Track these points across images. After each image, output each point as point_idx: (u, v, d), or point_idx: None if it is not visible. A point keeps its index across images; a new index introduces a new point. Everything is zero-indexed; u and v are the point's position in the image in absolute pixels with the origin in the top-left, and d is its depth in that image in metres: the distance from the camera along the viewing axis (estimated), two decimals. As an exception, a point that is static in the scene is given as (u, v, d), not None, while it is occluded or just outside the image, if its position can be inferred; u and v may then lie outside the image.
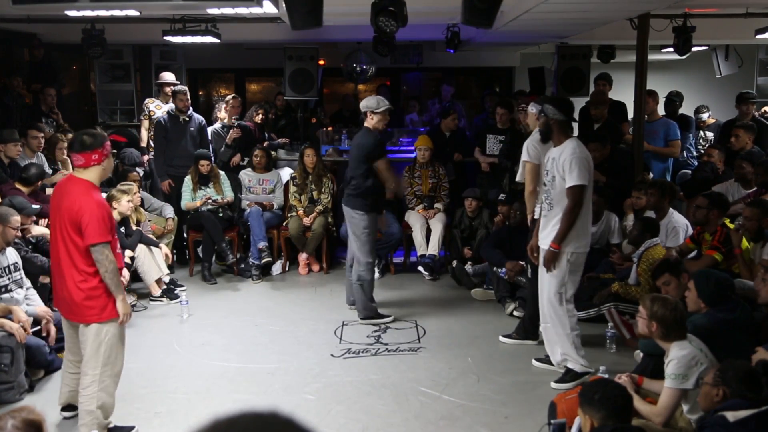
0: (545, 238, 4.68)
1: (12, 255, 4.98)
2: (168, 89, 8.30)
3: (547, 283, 4.70)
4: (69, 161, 7.42)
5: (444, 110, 8.51)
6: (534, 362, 5.05)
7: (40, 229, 5.68)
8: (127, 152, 8.02)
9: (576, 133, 7.85)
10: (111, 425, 4.03)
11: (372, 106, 5.83)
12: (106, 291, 3.82)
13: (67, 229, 3.75)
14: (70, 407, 4.23)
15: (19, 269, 5.01)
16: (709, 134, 8.51)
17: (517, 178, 5.51)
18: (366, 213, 5.84)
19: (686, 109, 8.74)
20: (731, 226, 5.37)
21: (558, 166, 4.57)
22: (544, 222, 4.71)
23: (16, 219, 4.93)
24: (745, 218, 5.14)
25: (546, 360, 4.95)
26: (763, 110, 8.93)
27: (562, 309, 4.64)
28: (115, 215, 6.27)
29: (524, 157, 5.17)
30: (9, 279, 4.89)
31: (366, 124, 5.92)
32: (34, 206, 5.59)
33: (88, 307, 3.81)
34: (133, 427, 4.15)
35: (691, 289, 4.02)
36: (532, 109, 5.45)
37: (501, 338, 5.52)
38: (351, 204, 5.91)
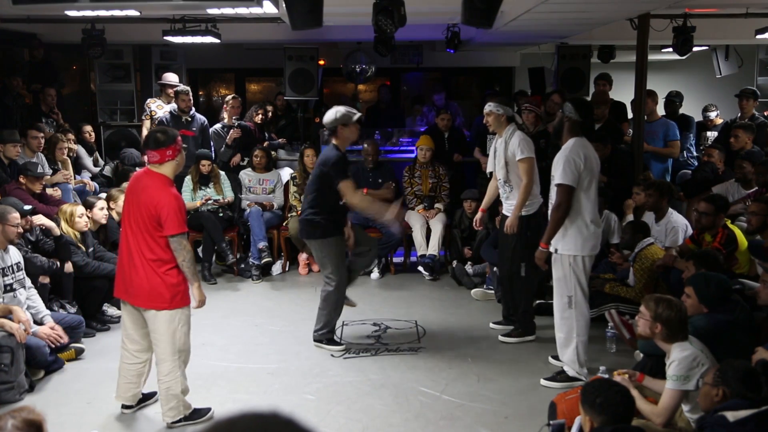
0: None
1: (15, 255, 4.98)
2: (170, 90, 8.30)
3: (556, 287, 4.70)
4: (68, 161, 7.44)
5: (437, 112, 8.53)
6: (550, 359, 5.05)
7: (45, 220, 5.64)
8: (127, 152, 8.03)
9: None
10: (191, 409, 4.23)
11: (341, 119, 5.10)
12: (182, 279, 4.06)
13: (144, 222, 3.99)
14: (128, 405, 4.34)
15: (22, 269, 5.01)
16: (711, 134, 8.49)
17: (500, 177, 5.35)
18: (322, 238, 5.23)
19: (687, 109, 8.73)
20: (733, 227, 5.36)
21: (554, 165, 4.60)
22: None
23: (15, 216, 4.91)
24: (751, 213, 5.13)
25: (557, 357, 4.95)
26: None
27: (569, 312, 4.63)
28: (114, 215, 6.28)
29: (525, 154, 5.11)
30: (13, 278, 4.89)
31: (334, 141, 5.20)
32: (26, 207, 5.57)
33: (160, 294, 4.01)
34: (210, 409, 4.31)
35: (690, 295, 3.99)
36: (498, 110, 5.22)
37: (500, 338, 5.53)
38: (304, 233, 5.33)
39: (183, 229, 4.00)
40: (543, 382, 4.72)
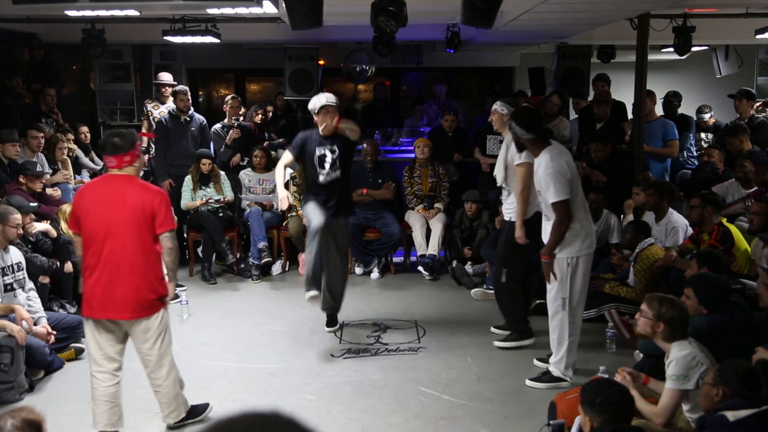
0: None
1: (16, 255, 4.98)
2: (164, 89, 8.30)
3: (550, 288, 4.68)
4: (68, 161, 7.44)
5: (442, 112, 8.54)
6: (535, 361, 5.04)
7: (41, 225, 5.66)
8: None
9: (578, 133, 7.86)
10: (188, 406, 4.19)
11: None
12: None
13: (139, 226, 3.78)
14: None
15: (23, 269, 5.00)
16: (710, 135, 8.49)
17: (498, 179, 5.29)
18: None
19: (687, 108, 8.72)
20: (730, 226, 5.36)
21: (539, 181, 4.54)
22: (547, 227, 4.67)
23: (16, 217, 4.92)
24: (753, 213, 5.14)
25: (547, 359, 4.94)
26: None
27: (562, 314, 4.61)
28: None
29: (522, 158, 4.94)
30: (12, 278, 4.88)
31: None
32: (31, 204, 5.58)
33: (151, 300, 3.88)
34: (208, 404, 4.28)
35: (690, 296, 3.99)
36: (503, 109, 5.16)
37: (495, 343, 5.41)
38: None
39: (175, 224, 4.03)
40: (528, 382, 4.71)
